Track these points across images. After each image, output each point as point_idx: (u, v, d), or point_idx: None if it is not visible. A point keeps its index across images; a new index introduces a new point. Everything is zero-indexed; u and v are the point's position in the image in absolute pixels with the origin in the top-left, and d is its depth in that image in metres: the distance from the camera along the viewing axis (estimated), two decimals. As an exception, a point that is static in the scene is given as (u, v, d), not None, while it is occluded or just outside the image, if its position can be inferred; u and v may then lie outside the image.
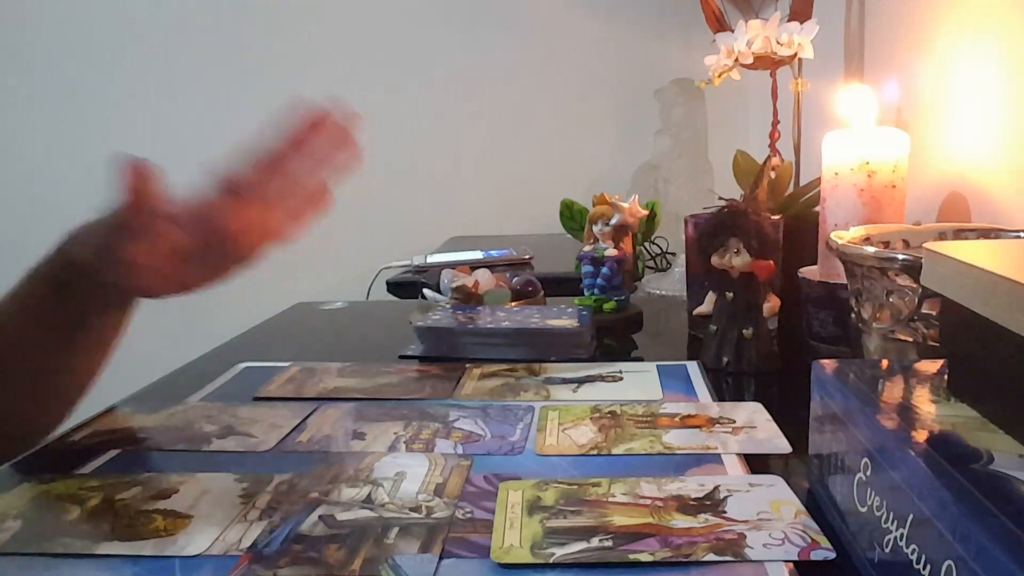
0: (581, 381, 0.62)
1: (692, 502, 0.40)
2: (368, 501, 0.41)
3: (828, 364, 0.40)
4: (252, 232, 0.53)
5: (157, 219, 0.50)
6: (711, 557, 0.35)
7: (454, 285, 0.82)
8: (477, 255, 1.33)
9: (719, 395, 0.58)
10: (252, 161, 0.52)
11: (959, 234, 0.62)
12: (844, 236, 0.58)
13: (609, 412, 0.54)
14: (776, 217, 0.71)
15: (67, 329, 0.56)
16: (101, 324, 0.58)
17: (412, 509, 0.40)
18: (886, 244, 0.60)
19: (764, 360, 0.64)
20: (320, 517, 0.40)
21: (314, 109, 0.53)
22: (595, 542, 0.36)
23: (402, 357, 0.72)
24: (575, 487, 0.42)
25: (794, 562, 0.34)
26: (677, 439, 0.49)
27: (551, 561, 0.35)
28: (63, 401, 0.58)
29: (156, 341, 1.41)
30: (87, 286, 0.54)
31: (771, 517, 0.38)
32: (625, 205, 0.81)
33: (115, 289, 0.55)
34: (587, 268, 0.81)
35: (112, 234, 0.51)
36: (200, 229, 0.51)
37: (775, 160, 0.92)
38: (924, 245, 0.36)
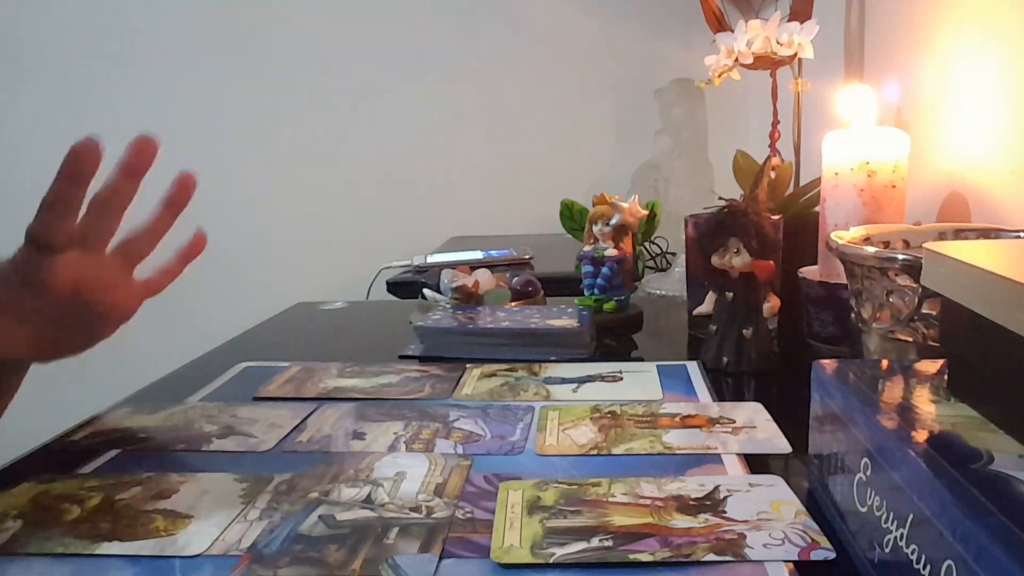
0: (581, 381, 0.62)
1: (692, 502, 0.40)
2: (368, 501, 0.41)
3: (828, 364, 0.40)
4: (90, 281, 0.50)
5: None
6: (711, 557, 0.35)
7: (454, 285, 0.82)
8: (477, 255, 1.33)
9: (719, 395, 0.58)
10: (44, 207, 0.49)
11: (959, 234, 0.62)
12: (844, 236, 0.58)
13: (609, 412, 0.54)
14: (776, 217, 0.71)
15: None
16: None
17: (412, 509, 0.40)
18: (886, 244, 0.60)
19: (764, 360, 0.64)
20: (320, 517, 0.40)
21: (80, 144, 0.49)
22: (595, 542, 0.36)
23: (402, 357, 0.72)
24: (575, 487, 0.42)
25: (794, 562, 0.34)
26: (677, 439, 0.49)
27: (551, 561, 0.35)
28: None
29: (156, 341, 1.41)
30: None
31: (771, 517, 0.38)
32: (625, 205, 0.81)
33: None
34: (587, 268, 0.81)
35: None
36: (22, 290, 0.49)
37: (775, 160, 0.92)
38: (924, 245, 0.36)
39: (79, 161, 0.49)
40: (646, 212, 0.82)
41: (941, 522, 0.25)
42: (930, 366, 0.39)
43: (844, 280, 0.58)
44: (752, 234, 0.63)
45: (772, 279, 0.66)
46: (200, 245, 0.58)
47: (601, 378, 0.63)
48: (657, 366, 0.65)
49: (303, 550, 0.37)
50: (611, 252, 0.80)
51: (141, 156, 0.52)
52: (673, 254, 1.27)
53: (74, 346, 0.53)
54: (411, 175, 1.89)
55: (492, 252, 1.34)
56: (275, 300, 1.02)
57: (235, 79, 1.86)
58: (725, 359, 0.65)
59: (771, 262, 0.64)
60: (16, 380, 0.55)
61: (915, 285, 0.49)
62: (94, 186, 0.50)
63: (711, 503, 0.40)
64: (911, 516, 0.28)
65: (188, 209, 0.57)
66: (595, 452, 0.47)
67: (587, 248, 0.82)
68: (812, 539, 0.36)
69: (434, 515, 0.40)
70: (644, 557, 0.35)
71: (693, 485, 0.42)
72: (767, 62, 0.91)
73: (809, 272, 0.73)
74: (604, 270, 0.80)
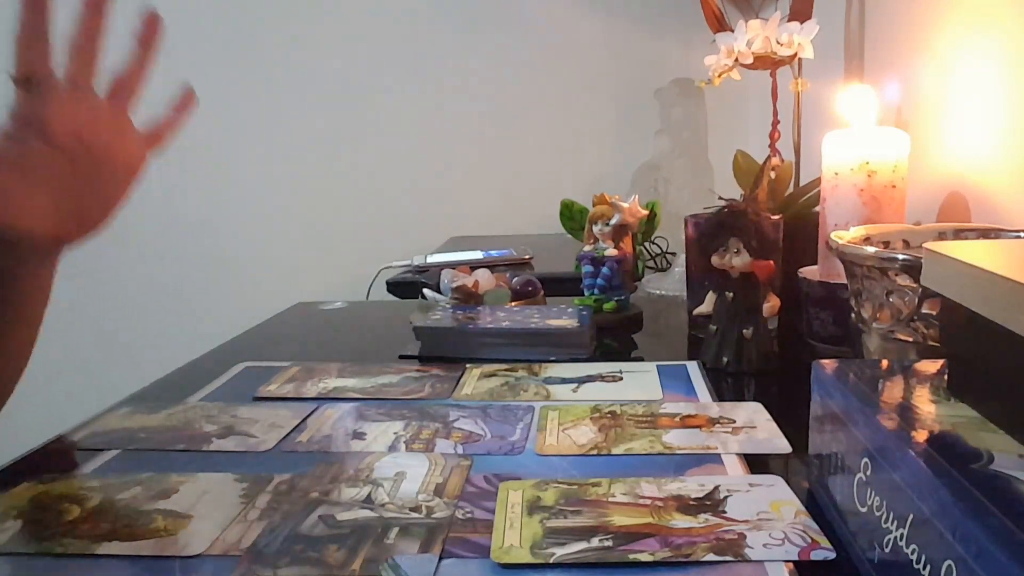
0: (581, 381, 0.62)
1: (692, 502, 0.40)
2: (368, 501, 0.41)
3: (828, 364, 0.40)
4: (88, 126, 0.52)
5: None
6: (711, 557, 0.35)
7: (454, 285, 0.82)
8: (477, 255, 1.33)
9: (719, 395, 0.58)
10: (17, 43, 0.50)
11: (959, 234, 0.62)
12: (844, 236, 0.58)
13: (609, 412, 0.54)
14: (776, 217, 0.71)
15: None
16: (24, 295, 0.55)
17: (412, 509, 0.40)
18: (886, 244, 0.60)
19: (764, 360, 0.64)
20: (320, 517, 0.40)
21: None
22: (595, 542, 0.36)
23: (402, 357, 0.72)
24: (575, 487, 0.42)
25: (794, 562, 0.34)
26: (677, 439, 0.49)
27: (551, 561, 0.35)
28: (2, 375, 0.54)
29: (156, 341, 1.41)
30: None
31: (771, 517, 0.38)
32: (625, 205, 0.81)
33: (11, 246, 0.51)
34: (587, 268, 0.81)
35: None
36: (26, 139, 0.50)
37: (775, 160, 0.92)
38: (924, 245, 0.36)
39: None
40: (646, 212, 0.82)
41: (941, 522, 0.25)
42: (930, 366, 0.39)
43: (844, 280, 0.58)
44: (752, 234, 0.63)
45: (772, 279, 0.66)
46: (190, 99, 0.61)
47: (601, 378, 0.63)
48: (657, 366, 0.65)
49: (303, 550, 0.37)
50: (611, 252, 0.80)
51: (151, 26, 0.55)
52: (673, 254, 1.27)
53: (93, 215, 0.53)
54: (411, 175, 1.89)
55: (492, 252, 1.34)
56: (275, 300, 1.02)
57: (235, 79, 1.86)
58: (725, 359, 0.65)
59: (771, 262, 0.64)
60: (47, 278, 0.55)
61: (915, 285, 0.49)
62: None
63: (711, 503, 0.40)
64: (911, 516, 0.28)
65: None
66: (595, 452, 0.47)
67: (587, 248, 0.82)
68: (812, 539, 0.36)
69: (434, 515, 0.40)
70: (644, 557, 0.35)
71: (693, 485, 0.42)
72: (767, 62, 0.91)
73: (809, 272, 0.73)
74: (604, 270, 0.80)
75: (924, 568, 0.26)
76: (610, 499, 0.41)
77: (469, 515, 0.40)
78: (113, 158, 0.53)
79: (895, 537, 0.29)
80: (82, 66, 0.53)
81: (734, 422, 0.52)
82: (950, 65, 0.79)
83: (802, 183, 0.90)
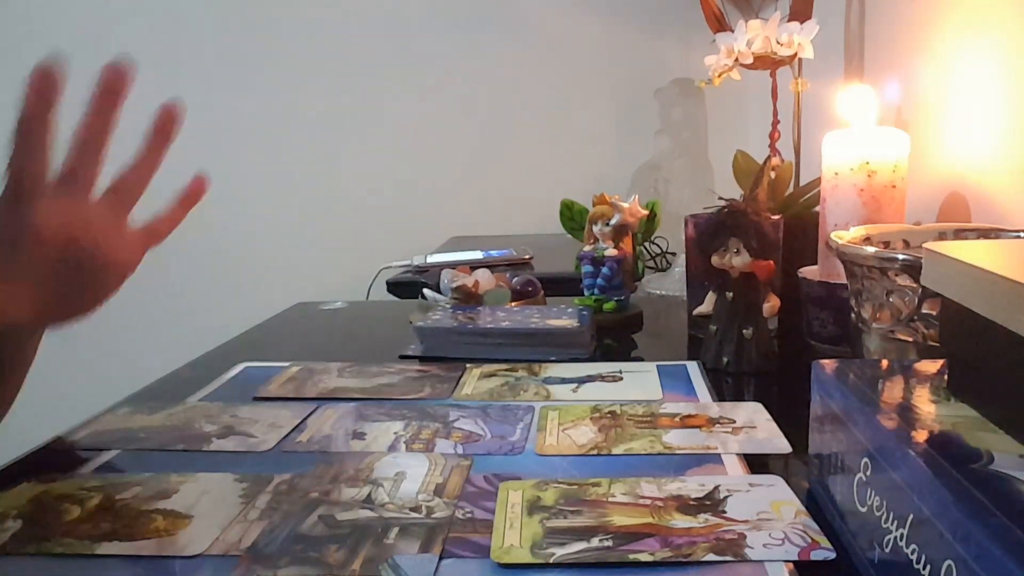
0: (581, 381, 0.62)
1: (692, 502, 0.40)
2: (368, 501, 0.41)
3: (828, 364, 0.40)
4: (80, 229, 0.49)
5: None
6: (711, 557, 0.35)
7: (454, 285, 0.82)
8: (477, 255, 1.33)
9: (719, 395, 0.58)
10: (14, 153, 0.47)
11: (959, 234, 0.62)
12: (844, 236, 0.58)
13: (609, 412, 0.54)
14: (776, 217, 0.71)
15: None
16: (5, 368, 0.52)
17: (412, 509, 0.40)
18: (886, 244, 0.60)
19: (764, 360, 0.64)
20: (320, 517, 0.40)
21: (40, 66, 0.48)
22: (595, 542, 0.36)
23: (402, 357, 0.72)
24: (575, 487, 0.42)
25: (794, 562, 0.34)
26: (677, 439, 0.49)
27: (551, 561, 0.35)
28: None
29: (156, 341, 1.41)
30: None
31: (771, 517, 0.38)
32: (625, 205, 0.81)
33: None
34: (587, 268, 0.81)
35: None
36: (12, 242, 0.47)
37: (775, 160, 0.92)
38: (924, 245, 0.36)
39: (44, 79, 0.47)
40: (646, 212, 0.82)
41: (941, 522, 0.25)
42: (930, 366, 0.39)
43: (844, 280, 0.58)
44: (752, 234, 0.63)
45: (772, 279, 0.66)
46: (200, 188, 0.56)
47: (601, 378, 0.63)
48: (657, 366, 0.65)
49: (303, 550, 0.37)
50: (611, 252, 0.80)
51: (114, 83, 0.49)
52: (673, 254, 1.27)
53: (81, 305, 0.51)
54: (411, 175, 1.89)
55: (492, 252, 1.34)
56: (275, 300, 1.02)
57: (235, 79, 1.86)
58: (725, 359, 0.65)
59: (771, 262, 0.64)
60: (31, 350, 0.53)
61: (915, 285, 0.49)
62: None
63: (711, 503, 0.40)
64: (911, 516, 0.28)
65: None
66: (595, 452, 0.47)
67: (587, 248, 0.82)
68: (812, 539, 0.36)
69: (434, 515, 0.40)
70: (644, 557, 0.35)
71: (693, 485, 0.42)
72: (767, 62, 0.91)
73: (809, 272, 0.73)
74: (604, 270, 0.80)
75: (924, 568, 0.26)
76: (610, 499, 0.41)
77: (469, 515, 0.40)
78: (104, 257, 0.50)
79: (895, 537, 0.29)
80: (82, 172, 0.50)
81: (734, 422, 0.52)
82: (950, 65, 0.79)
83: (802, 183, 0.90)
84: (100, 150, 0.50)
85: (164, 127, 0.53)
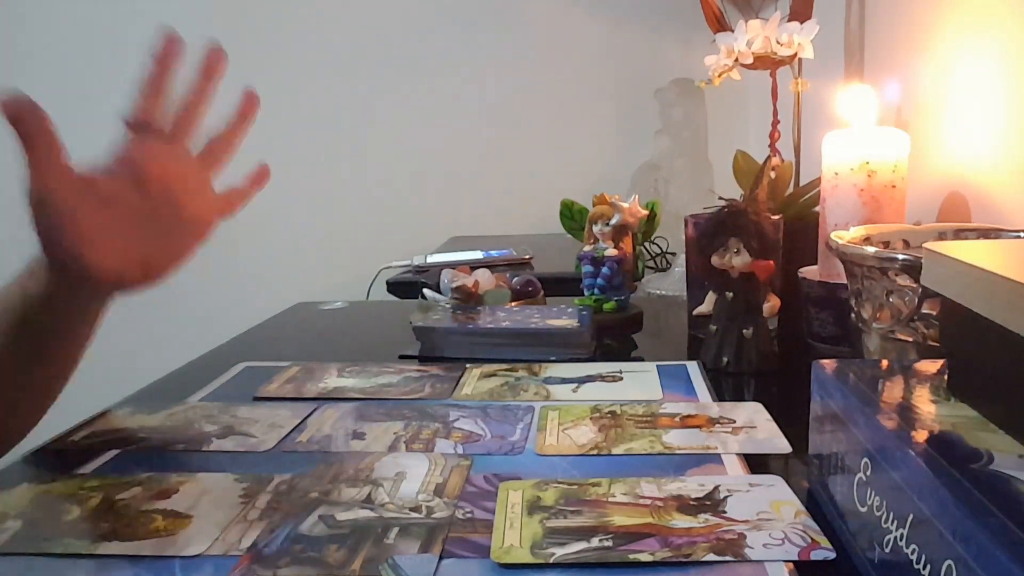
0: (581, 381, 0.62)
1: (692, 502, 0.40)
2: (368, 501, 0.41)
3: (828, 364, 0.40)
4: (177, 178, 0.56)
5: (60, 158, 0.50)
6: (711, 557, 0.35)
7: (454, 285, 0.82)
8: (477, 255, 1.33)
9: (719, 395, 0.58)
10: (139, 93, 0.56)
11: (959, 234, 0.62)
12: (844, 236, 0.58)
13: (609, 412, 0.54)
14: (776, 217, 0.71)
15: (35, 345, 0.55)
16: (70, 331, 0.57)
17: (412, 509, 0.40)
18: (886, 244, 0.60)
19: (764, 360, 0.64)
20: (320, 517, 0.40)
21: (166, 34, 0.58)
22: (595, 542, 0.36)
23: (402, 357, 0.72)
24: (575, 487, 0.42)
25: (794, 562, 0.34)
26: (677, 439, 0.49)
27: (551, 561, 0.35)
28: (32, 407, 0.56)
29: (157, 341, 1.41)
30: (48, 307, 0.53)
31: (771, 517, 0.38)
32: (625, 205, 0.81)
33: (74, 278, 0.53)
34: (587, 268, 0.81)
35: (31, 194, 0.50)
36: (122, 179, 0.54)
37: (775, 160, 0.92)
38: (924, 245, 0.36)
39: (167, 47, 0.57)
40: (646, 212, 0.82)
41: (941, 522, 0.25)
42: (930, 366, 0.39)
43: (844, 280, 0.58)
44: (752, 234, 0.63)
45: (772, 279, 0.66)
46: (265, 174, 0.66)
47: (601, 378, 0.63)
48: (657, 366, 0.65)
49: (303, 550, 0.37)
50: (611, 252, 0.80)
51: (216, 59, 0.60)
52: (673, 254, 1.27)
53: (159, 263, 0.56)
54: (411, 175, 1.89)
55: (492, 252, 1.34)
56: (275, 300, 1.02)
57: (234, 79, 1.86)
58: (725, 359, 0.65)
59: (771, 262, 0.64)
60: (96, 315, 0.57)
61: (915, 285, 0.49)
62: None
63: (711, 503, 0.40)
64: (911, 516, 0.28)
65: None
66: (595, 452, 0.47)
67: (587, 248, 0.82)
68: (812, 539, 0.36)
69: (434, 515, 0.40)
70: (644, 557, 0.35)
71: (693, 485, 0.42)
72: (767, 62, 0.91)
73: (809, 272, 0.73)
74: (604, 270, 0.80)
75: (924, 568, 0.26)
76: (610, 499, 0.41)
77: (469, 515, 0.40)
78: (191, 214, 0.57)
79: (895, 537, 0.29)
80: (185, 124, 0.58)
81: (734, 422, 0.52)
82: (950, 65, 0.79)
83: (802, 183, 0.90)
84: (199, 113, 0.59)
85: (247, 108, 0.63)
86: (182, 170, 0.57)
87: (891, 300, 0.51)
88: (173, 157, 0.57)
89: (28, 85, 0.50)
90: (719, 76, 0.94)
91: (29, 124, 0.49)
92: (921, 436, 0.30)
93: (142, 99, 0.56)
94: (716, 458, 0.46)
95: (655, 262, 1.28)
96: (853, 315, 0.56)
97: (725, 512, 0.39)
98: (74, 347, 0.56)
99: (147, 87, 0.56)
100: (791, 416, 0.50)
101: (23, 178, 0.50)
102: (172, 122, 0.58)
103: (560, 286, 0.94)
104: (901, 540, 0.28)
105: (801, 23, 0.89)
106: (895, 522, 0.29)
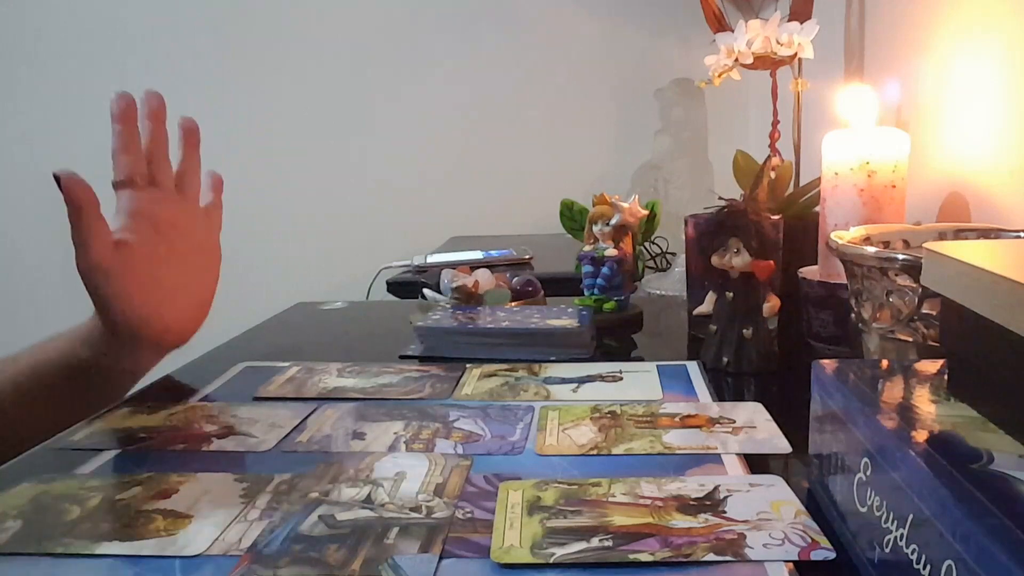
0: (581, 381, 0.62)
1: (692, 502, 0.40)
2: (368, 501, 0.41)
3: (828, 364, 0.40)
4: (180, 213, 0.63)
5: (103, 223, 0.57)
6: (711, 557, 0.35)
7: (454, 285, 0.82)
8: (477, 255, 1.33)
9: (719, 395, 0.58)
10: (118, 153, 0.61)
11: (959, 234, 0.62)
12: (844, 236, 0.58)
13: (609, 412, 0.54)
14: (776, 217, 0.71)
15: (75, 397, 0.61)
16: (116, 388, 0.64)
17: (412, 509, 0.40)
18: (886, 244, 0.60)
19: (764, 360, 0.64)
20: (320, 517, 0.40)
21: (116, 95, 0.62)
22: (595, 542, 0.36)
23: (402, 357, 0.72)
24: (575, 487, 0.42)
25: (794, 562, 0.34)
26: (677, 439, 0.49)
27: (551, 561, 0.35)
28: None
29: (156, 341, 1.40)
30: (99, 369, 0.61)
31: (771, 517, 0.38)
32: (625, 205, 0.81)
33: (128, 340, 0.61)
34: (587, 268, 0.81)
35: (81, 260, 0.56)
36: (144, 232, 0.60)
37: (775, 160, 0.92)
38: (924, 245, 0.36)
39: (122, 106, 0.60)
40: (646, 212, 0.82)
41: (941, 522, 0.25)
42: (930, 366, 0.39)
43: (844, 280, 0.58)
44: (752, 234, 0.63)
45: (772, 279, 0.66)
46: (219, 181, 0.71)
47: (601, 378, 0.63)
48: (657, 366, 0.65)
49: (303, 550, 0.37)
50: (611, 252, 0.80)
51: (159, 103, 0.64)
52: (673, 254, 1.27)
53: (205, 287, 0.66)
54: (411, 175, 1.89)
55: (492, 252, 1.34)
56: (275, 300, 1.02)
57: (234, 79, 1.86)
58: (725, 359, 0.65)
59: (771, 262, 0.64)
60: (139, 375, 0.66)
61: (915, 285, 0.49)
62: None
63: (711, 503, 0.40)
64: (911, 516, 0.28)
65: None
66: (595, 452, 0.47)
67: (587, 248, 0.82)
68: (812, 539, 0.36)
69: (434, 515, 0.40)
70: (644, 557, 0.35)
71: (693, 485, 0.42)
72: (767, 62, 0.91)
73: (809, 272, 0.73)
74: (604, 270, 0.80)
75: (924, 568, 0.26)
76: (610, 499, 0.41)
77: (469, 515, 0.40)
78: (201, 240, 0.65)
79: (895, 537, 0.29)
80: (159, 169, 0.63)
81: (734, 422, 0.52)
82: (950, 65, 0.79)
83: (802, 183, 0.90)
84: (165, 155, 0.64)
85: (189, 136, 0.68)
86: (179, 208, 0.63)
87: (891, 300, 0.51)
88: (166, 198, 0.62)
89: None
90: (719, 76, 0.94)
91: (80, 199, 0.55)
92: (921, 436, 0.30)
93: (124, 157, 0.60)
94: (716, 458, 0.46)
95: (655, 262, 1.28)
96: (853, 315, 0.56)
97: (725, 512, 0.39)
98: (113, 397, 0.61)
99: (122, 146, 0.61)
100: (791, 416, 0.50)
101: (73, 252, 0.56)
102: (152, 171, 0.63)
103: (560, 286, 0.94)
104: (901, 540, 0.28)
105: (801, 23, 0.89)
106: (895, 522, 0.29)
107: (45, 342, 0.64)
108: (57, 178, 0.55)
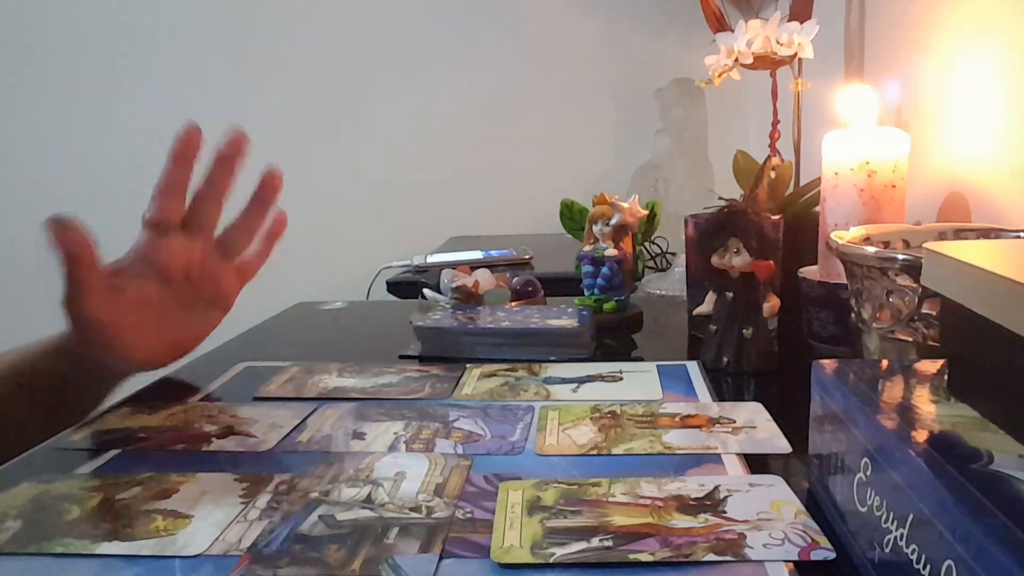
0: (581, 381, 0.62)
1: (692, 502, 0.40)
2: (368, 501, 0.41)
3: (828, 364, 0.40)
4: (198, 267, 0.58)
5: (98, 273, 0.53)
6: (711, 557, 0.35)
7: (454, 285, 0.82)
8: (477, 255, 1.33)
9: (719, 395, 0.58)
10: (157, 192, 0.57)
11: (959, 234, 0.62)
12: (844, 236, 0.58)
13: (609, 412, 0.54)
14: (776, 217, 0.71)
15: (44, 404, 0.59)
16: (87, 401, 0.61)
17: (412, 509, 0.40)
18: (886, 244, 0.60)
19: (764, 360, 0.64)
20: (320, 517, 0.40)
21: (185, 129, 0.58)
22: (595, 542, 0.36)
23: (402, 357, 0.72)
24: (575, 487, 0.42)
25: (794, 562, 0.34)
26: (677, 439, 0.49)
27: (551, 561, 0.35)
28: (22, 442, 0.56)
29: (156, 341, 1.40)
30: (72, 381, 0.58)
31: (771, 517, 0.38)
32: (625, 205, 0.81)
33: (103, 366, 0.58)
34: (587, 268, 0.81)
35: (68, 305, 0.53)
36: (147, 277, 0.56)
37: (775, 160, 0.92)
38: (924, 245, 0.36)
39: (185, 144, 0.56)
40: (646, 212, 0.82)
41: (941, 522, 0.25)
42: (930, 366, 0.39)
43: (844, 280, 0.58)
44: (752, 234, 0.63)
45: (772, 279, 0.66)
46: (282, 224, 0.65)
47: (601, 378, 0.63)
48: (657, 366, 0.65)
49: (303, 550, 0.37)
50: (611, 252, 0.80)
51: (235, 147, 0.58)
52: (673, 254, 1.27)
53: (185, 343, 0.60)
54: (411, 175, 1.89)
55: (492, 252, 1.34)
56: (275, 300, 1.02)
57: (234, 79, 1.86)
58: (725, 359, 0.65)
59: (771, 262, 0.64)
60: (115, 387, 0.62)
61: (915, 285, 0.49)
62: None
63: (711, 503, 0.40)
64: (911, 516, 0.28)
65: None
66: (595, 452, 0.47)
67: (587, 248, 0.82)
68: (812, 539, 0.36)
69: (434, 515, 0.40)
70: (644, 557, 0.35)
71: (693, 485, 0.42)
72: (767, 62, 0.91)
73: (809, 272, 0.73)
74: (604, 270, 0.80)
75: (924, 568, 0.26)
76: (610, 499, 0.41)
77: (469, 515, 0.40)
78: (213, 294, 0.60)
79: (895, 537, 0.29)
80: (205, 219, 0.59)
81: (734, 422, 0.52)
82: (950, 65, 0.79)
83: (802, 183, 0.90)
84: (220, 204, 0.59)
85: (266, 193, 0.62)
86: (202, 259, 0.59)
87: (891, 300, 0.51)
88: (193, 249, 0.58)
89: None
90: (719, 76, 0.94)
91: (73, 251, 0.51)
92: (921, 436, 0.30)
93: (162, 199, 0.56)
94: (716, 458, 0.46)
95: (655, 262, 1.28)
96: (853, 315, 0.56)
97: (725, 512, 0.39)
98: (85, 410, 0.59)
99: (166, 187, 0.56)
100: (791, 416, 0.50)
101: (60, 287, 0.53)
102: (194, 215, 0.58)
103: (560, 286, 0.94)
104: (901, 540, 0.28)
105: (801, 23, 0.89)
106: (895, 522, 0.29)
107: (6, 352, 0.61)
108: (51, 225, 0.50)
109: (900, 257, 0.49)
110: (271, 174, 0.62)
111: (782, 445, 0.48)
